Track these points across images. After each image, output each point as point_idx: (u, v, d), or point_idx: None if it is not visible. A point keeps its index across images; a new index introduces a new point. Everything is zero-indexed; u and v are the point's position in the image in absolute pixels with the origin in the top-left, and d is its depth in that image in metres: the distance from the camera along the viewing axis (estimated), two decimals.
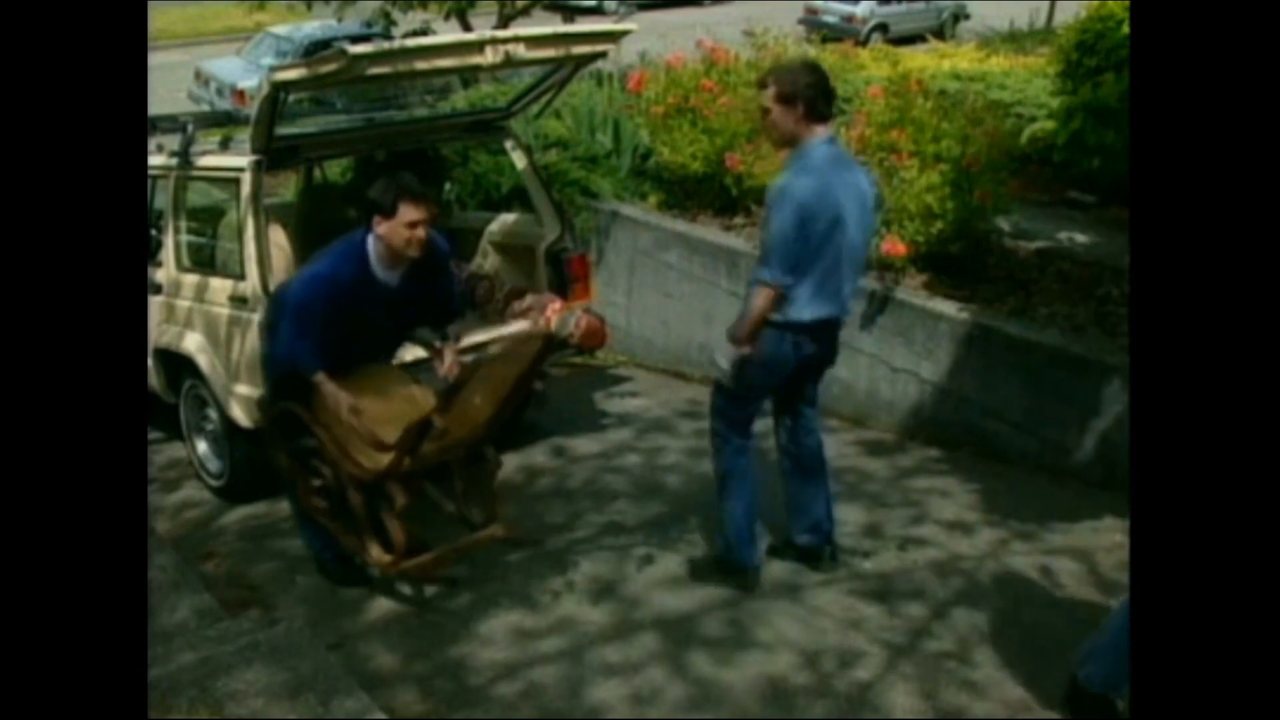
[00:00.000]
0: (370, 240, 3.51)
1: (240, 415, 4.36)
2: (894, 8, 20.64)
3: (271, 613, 3.64)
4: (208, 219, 4.81)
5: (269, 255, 4.28)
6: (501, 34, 4.38)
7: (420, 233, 3.46)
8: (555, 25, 7.82)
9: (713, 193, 6.26)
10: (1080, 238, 5.66)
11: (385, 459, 3.40)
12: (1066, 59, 6.12)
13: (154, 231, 4.87)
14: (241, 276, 4.28)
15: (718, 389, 3.64)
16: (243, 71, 13.95)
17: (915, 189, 5.23)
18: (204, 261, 4.68)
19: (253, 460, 4.54)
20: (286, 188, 6.96)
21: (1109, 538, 4.07)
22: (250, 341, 4.24)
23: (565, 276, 4.96)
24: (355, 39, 9.75)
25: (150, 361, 4.79)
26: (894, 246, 5.17)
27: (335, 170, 6.56)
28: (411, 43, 4.42)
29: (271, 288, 4.16)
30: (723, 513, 3.72)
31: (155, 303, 4.73)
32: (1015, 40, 11.96)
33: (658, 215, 6.36)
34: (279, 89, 3.96)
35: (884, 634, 3.48)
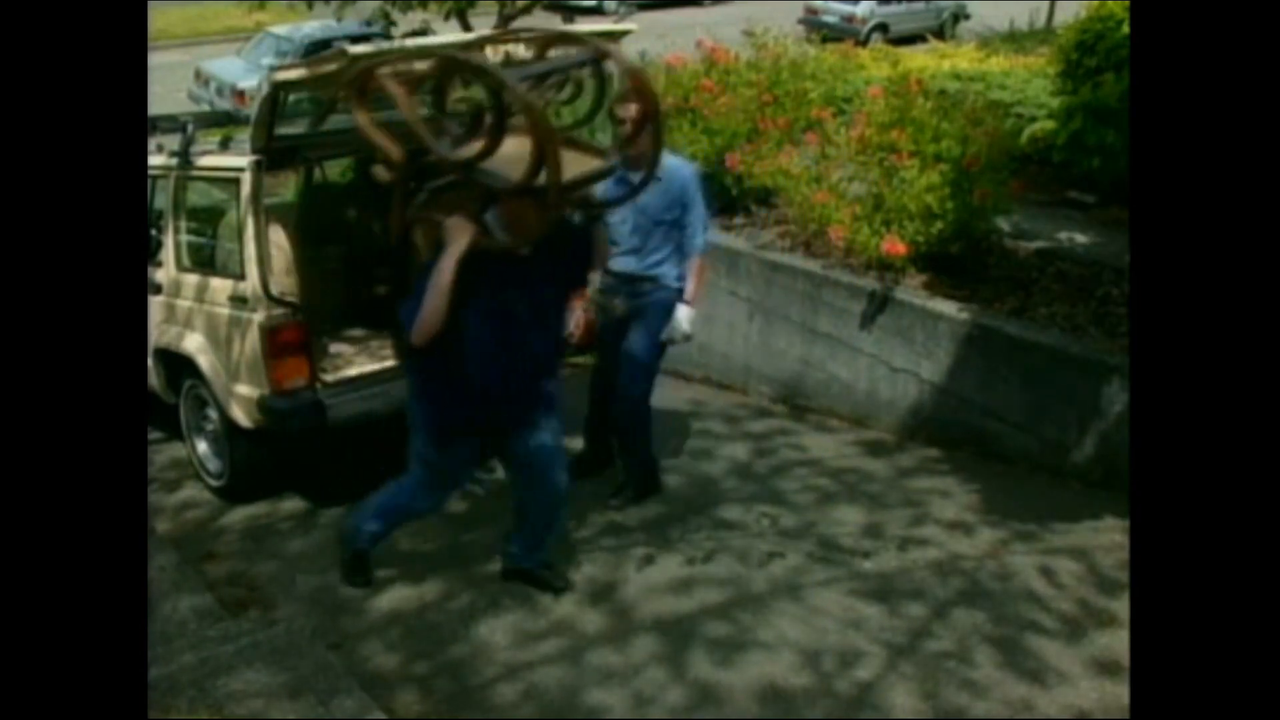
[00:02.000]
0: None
1: (240, 415, 4.36)
2: (894, 8, 20.62)
3: (271, 613, 3.64)
4: (208, 219, 4.80)
5: (269, 255, 4.28)
6: (501, 34, 4.38)
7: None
8: (555, 25, 7.80)
9: (712, 193, 6.25)
10: (1080, 238, 5.66)
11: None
12: (1066, 59, 6.12)
13: (154, 231, 4.87)
14: (242, 276, 4.28)
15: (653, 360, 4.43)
16: (243, 71, 13.94)
17: (915, 189, 5.22)
18: (204, 261, 4.68)
19: (253, 460, 4.55)
20: (286, 188, 6.95)
21: (1109, 538, 4.07)
22: (250, 341, 4.24)
23: None
24: (355, 39, 9.74)
25: (150, 361, 4.79)
26: (894, 246, 5.17)
27: (335, 170, 6.55)
28: (411, 43, 4.42)
29: (272, 288, 4.16)
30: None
31: (155, 303, 4.73)
32: (1015, 40, 11.98)
33: None
34: (279, 89, 3.96)
35: (884, 634, 3.48)
